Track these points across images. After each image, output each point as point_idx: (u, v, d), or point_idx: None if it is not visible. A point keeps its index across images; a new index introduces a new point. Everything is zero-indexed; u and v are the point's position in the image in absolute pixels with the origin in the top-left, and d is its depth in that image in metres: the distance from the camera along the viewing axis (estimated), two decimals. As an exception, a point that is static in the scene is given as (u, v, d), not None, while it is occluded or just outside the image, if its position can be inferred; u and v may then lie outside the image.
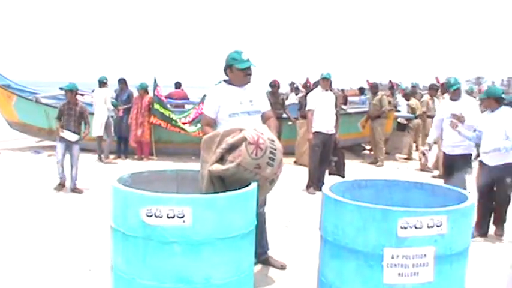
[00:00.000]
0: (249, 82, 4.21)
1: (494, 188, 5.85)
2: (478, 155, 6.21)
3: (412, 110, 11.93)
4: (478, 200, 5.69)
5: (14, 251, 4.91)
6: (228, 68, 4.17)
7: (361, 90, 18.35)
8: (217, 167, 3.44)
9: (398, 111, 12.23)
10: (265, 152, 3.39)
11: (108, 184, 3.31)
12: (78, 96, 8.48)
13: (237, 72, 4.11)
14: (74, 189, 7.84)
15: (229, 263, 3.21)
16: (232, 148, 3.41)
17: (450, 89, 6.53)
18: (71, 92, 7.98)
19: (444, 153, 6.73)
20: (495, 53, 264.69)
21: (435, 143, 7.23)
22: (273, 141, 3.51)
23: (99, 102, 10.98)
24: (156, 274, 3.08)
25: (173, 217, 2.99)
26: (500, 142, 5.55)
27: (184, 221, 2.99)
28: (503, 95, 5.87)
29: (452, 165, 6.37)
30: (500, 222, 5.93)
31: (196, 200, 3.13)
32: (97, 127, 10.74)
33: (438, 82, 12.22)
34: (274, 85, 11.81)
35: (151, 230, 3.02)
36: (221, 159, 3.47)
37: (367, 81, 13.29)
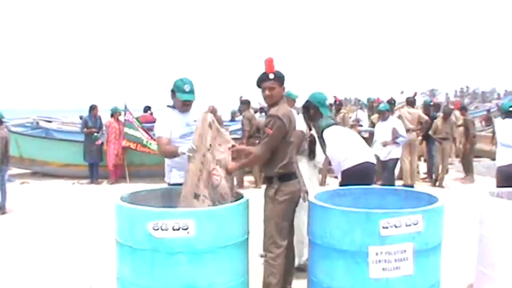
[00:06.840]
0: (188, 111, 4.37)
1: None
2: None
3: (373, 124, 12.43)
4: None
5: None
6: (172, 92, 4.33)
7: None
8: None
9: (361, 125, 12.81)
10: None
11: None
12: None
13: (178, 101, 4.30)
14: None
15: (229, 269, 3.51)
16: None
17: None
18: None
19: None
20: (448, 64, 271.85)
21: None
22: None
23: None
24: (164, 283, 3.35)
25: (178, 229, 3.28)
26: None
27: (188, 232, 3.29)
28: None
29: None
30: None
31: (199, 212, 3.44)
32: None
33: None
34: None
35: (158, 242, 3.29)
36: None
37: (335, 97, 13.70)
